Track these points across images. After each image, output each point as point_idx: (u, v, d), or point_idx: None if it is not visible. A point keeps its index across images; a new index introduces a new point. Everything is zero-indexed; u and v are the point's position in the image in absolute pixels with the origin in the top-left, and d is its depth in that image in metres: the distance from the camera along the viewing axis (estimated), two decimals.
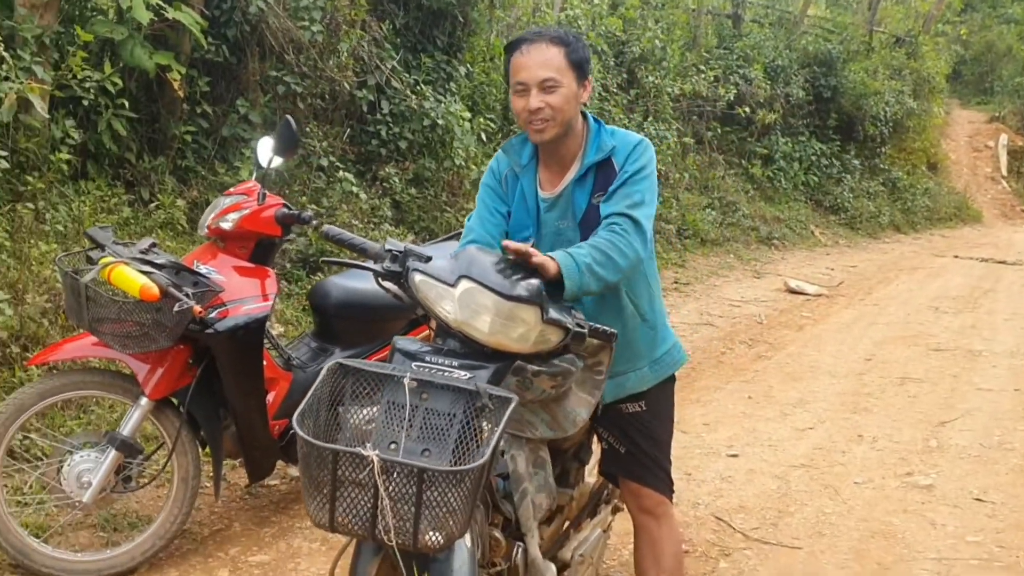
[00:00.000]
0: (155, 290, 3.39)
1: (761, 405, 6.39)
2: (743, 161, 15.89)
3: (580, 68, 2.70)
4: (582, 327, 2.42)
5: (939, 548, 4.22)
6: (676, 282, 10.76)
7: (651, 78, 13.36)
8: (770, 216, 15.01)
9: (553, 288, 2.46)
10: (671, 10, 15.47)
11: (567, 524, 3.24)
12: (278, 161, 4.16)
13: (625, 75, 13.35)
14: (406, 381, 2.21)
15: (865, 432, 5.82)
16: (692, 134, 14.52)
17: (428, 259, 2.46)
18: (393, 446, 2.17)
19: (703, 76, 14.65)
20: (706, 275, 11.51)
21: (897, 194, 19.11)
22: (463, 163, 8.74)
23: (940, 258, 14.82)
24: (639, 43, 13.38)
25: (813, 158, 17.10)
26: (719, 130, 15.43)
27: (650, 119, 13.15)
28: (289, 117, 4.07)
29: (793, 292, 10.88)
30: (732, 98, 14.89)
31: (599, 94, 12.08)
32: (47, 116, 5.67)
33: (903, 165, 20.04)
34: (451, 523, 2.04)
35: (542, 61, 2.65)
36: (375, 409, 2.25)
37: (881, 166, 19.09)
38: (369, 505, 2.04)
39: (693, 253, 12.32)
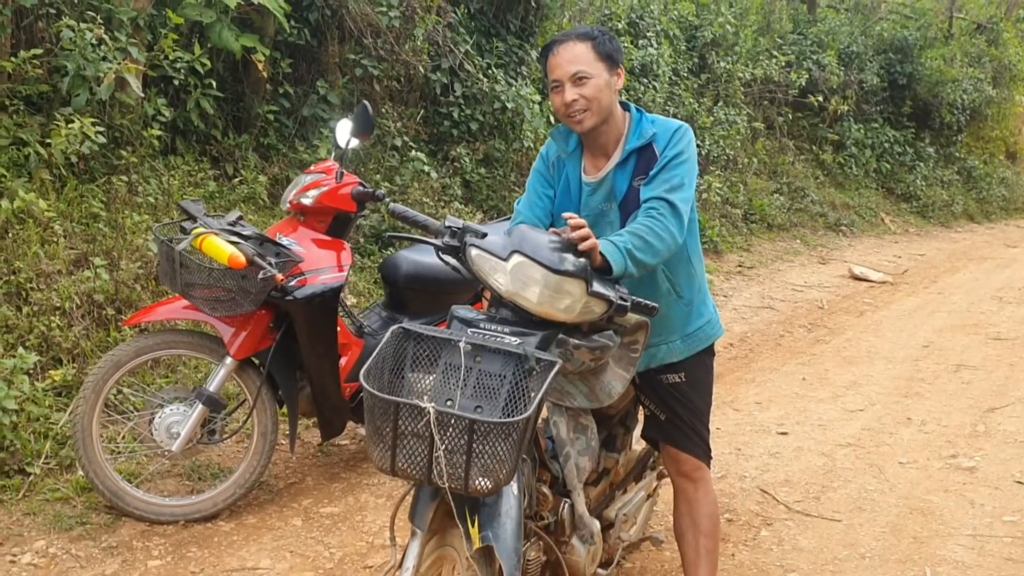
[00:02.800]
0: (242, 259, 3.72)
1: (815, 387, 6.52)
2: (814, 147, 15.77)
3: (610, 58, 2.89)
4: (624, 300, 2.62)
5: (975, 526, 4.36)
6: (740, 266, 10.85)
7: (722, 63, 13.39)
8: (839, 202, 14.92)
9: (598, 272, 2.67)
10: None
11: (613, 486, 3.48)
12: (355, 142, 4.46)
13: (696, 59, 13.38)
14: (462, 345, 2.46)
15: (914, 415, 5.93)
16: (762, 119, 14.48)
17: (484, 235, 2.69)
18: (449, 403, 2.42)
19: (775, 61, 14.59)
20: (771, 259, 11.55)
21: (972, 183, 18.83)
22: (531, 144, 8.96)
23: (1012, 248, 14.61)
24: (711, 28, 13.41)
25: (886, 145, 16.88)
26: (790, 116, 15.34)
27: (720, 104, 13.19)
28: (366, 102, 4.35)
29: (857, 278, 10.88)
30: (804, 83, 14.80)
31: (669, 78, 12.16)
32: (141, 95, 5.99)
33: (980, 154, 19.71)
34: (499, 471, 2.27)
35: (571, 57, 2.86)
36: (436, 376, 2.49)
37: (956, 154, 18.79)
38: (426, 453, 2.29)
39: (759, 238, 12.35)
